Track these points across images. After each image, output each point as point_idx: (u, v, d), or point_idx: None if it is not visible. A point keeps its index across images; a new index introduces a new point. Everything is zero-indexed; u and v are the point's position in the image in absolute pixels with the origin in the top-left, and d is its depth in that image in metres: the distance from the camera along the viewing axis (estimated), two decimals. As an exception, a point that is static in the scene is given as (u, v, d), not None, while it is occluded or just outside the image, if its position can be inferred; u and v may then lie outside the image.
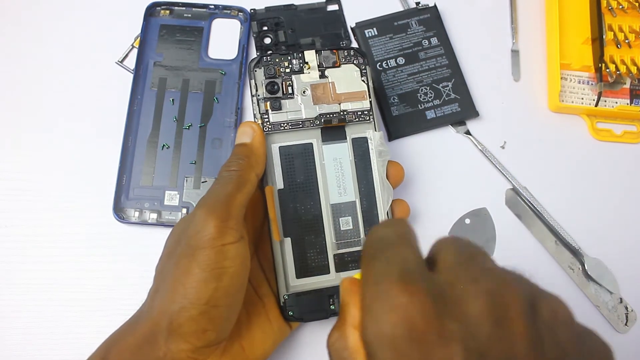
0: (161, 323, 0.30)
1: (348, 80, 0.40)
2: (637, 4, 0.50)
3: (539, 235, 0.46)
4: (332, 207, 0.39)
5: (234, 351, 0.35)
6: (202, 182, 0.44)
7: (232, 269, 0.31)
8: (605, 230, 0.47)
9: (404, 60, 0.49)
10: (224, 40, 0.48)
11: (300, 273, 0.39)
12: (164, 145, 0.45)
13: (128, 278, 0.43)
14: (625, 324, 0.44)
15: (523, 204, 0.47)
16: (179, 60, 0.47)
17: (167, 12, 0.48)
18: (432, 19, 0.50)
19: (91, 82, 0.47)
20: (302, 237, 0.39)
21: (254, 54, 0.48)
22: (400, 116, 0.47)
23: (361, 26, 0.49)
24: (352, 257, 0.39)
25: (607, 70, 0.49)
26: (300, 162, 0.39)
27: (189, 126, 0.45)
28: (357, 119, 0.40)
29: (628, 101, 0.50)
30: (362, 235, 0.40)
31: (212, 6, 0.48)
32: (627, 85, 0.50)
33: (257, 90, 0.39)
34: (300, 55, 0.40)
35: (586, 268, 0.45)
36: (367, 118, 0.40)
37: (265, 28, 0.49)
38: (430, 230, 0.45)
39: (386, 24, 0.50)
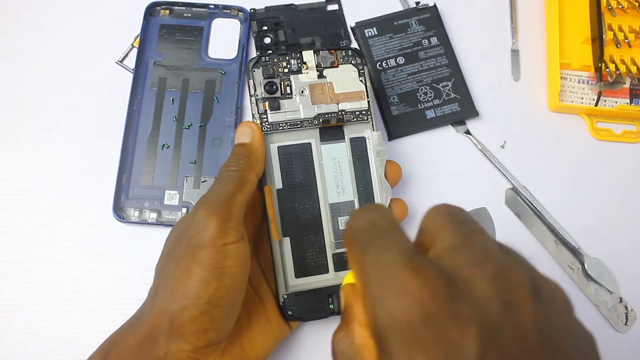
0: (162, 323, 0.30)
1: (346, 80, 0.40)
2: (637, 4, 0.50)
3: (539, 235, 0.46)
4: (330, 207, 0.40)
5: (234, 351, 0.35)
6: (202, 182, 0.44)
7: (233, 268, 0.31)
8: (605, 230, 0.47)
9: (403, 59, 0.49)
10: (224, 40, 0.48)
11: (299, 272, 0.39)
12: (164, 144, 0.45)
13: (128, 278, 0.43)
14: (625, 324, 0.44)
15: (523, 204, 0.47)
16: (179, 60, 0.47)
17: (167, 11, 0.48)
18: (432, 19, 0.50)
19: (91, 82, 0.47)
20: (301, 237, 0.39)
21: (253, 53, 0.48)
22: (400, 116, 0.47)
23: (361, 26, 0.49)
24: None
25: (607, 69, 0.49)
26: (298, 161, 0.39)
27: (189, 126, 0.45)
28: (355, 119, 0.40)
29: (628, 101, 0.50)
30: None
31: (212, 6, 0.48)
32: (627, 85, 0.50)
33: (255, 90, 0.39)
34: (298, 55, 0.40)
35: (586, 268, 0.45)
36: (365, 118, 0.40)
37: (265, 28, 0.49)
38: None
39: (386, 24, 0.50)
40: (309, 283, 0.39)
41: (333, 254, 0.39)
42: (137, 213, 0.43)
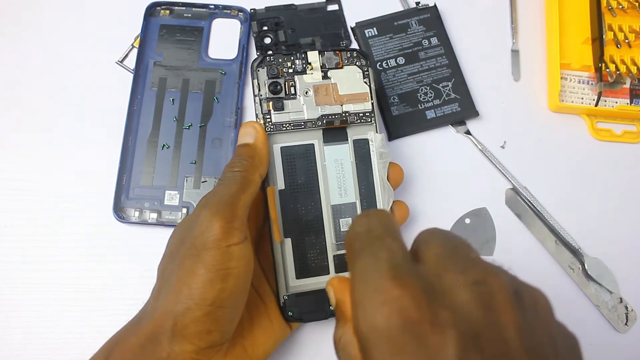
0: (165, 324, 0.30)
1: (350, 81, 0.40)
2: (637, 4, 0.50)
3: (539, 235, 0.46)
4: (332, 208, 0.39)
5: (236, 352, 0.35)
6: (202, 182, 0.44)
7: (237, 269, 0.31)
8: (605, 230, 0.47)
9: (404, 60, 0.49)
10: (224, 40, 0.48)
11: (300, 273, 0.39)
12: (164, 145, 0.45)
13: (128, 278, 0.42)
14: (625, 324, 0.44)
15: (523, 204, 0.47)
16: (179, 60, 0.47)
17: (167, 12, 0.48)
18: (432, 19, 0.50)
19: (91, 82, 0.47)
20: (303, 238, 0.39)
21: (254, 53, 0.48)
22: (400, 116, 0.47)
23: (361, 26, 0.49)
24: None
25: (607, 70, 0.49)
26: (301, 162, 0.39)
27: (189, 126, 0.45)
28: (358, 121, 0.40)
29: (628, 101, 0.50)
30: None
31: (212, 6, 0.48)
32: (627, 85, 0.50)
33: (259, 90, 0.39)
34: (303, 55, 0.40)
35: (586, 268, 0.45)
36: (369, 120, 0.40)
37: (265, 28, 0.49)
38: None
39: (386, 24, 0.50)
40: (310, 284, 0.39)
41: (334, 256, 0.39)
42: (137, 213, 0.43)
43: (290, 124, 0.39)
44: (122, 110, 0.45)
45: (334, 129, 0.40)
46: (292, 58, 0.40)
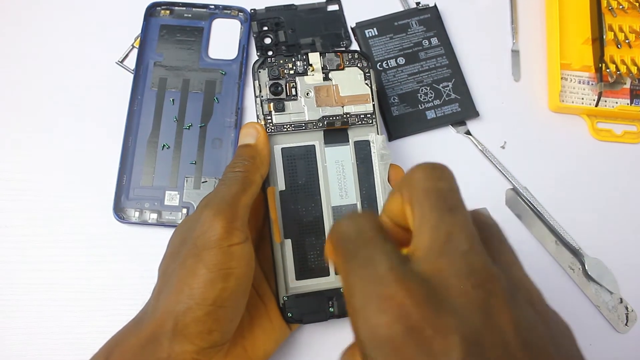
0: (165, 324, 0.30)
1: (352, 83, 0.40)
2: (637, 4, 0.50)
3: (539, 235, 0.46)
4: (333, 210, 0.39)
5: (237, 352, 0.35)
6: (203, 182, 0.44)
7: (239, 269, 0.31)
8: (605, 231, 0.47)
9: (404, 60, 0.49)
10: (224, 40, 0.48)
11: (300, 275, 0.39)
12: (164, 145, 0.45)
13: (128, 278, 0.42)
14: (626, 324, 0.44)
15: (523, 204, 0.47)
16: (179, 60, 0.47)
17: (167, 12, 0.48)
18: (432, 19, 0.50)
19: (91, 82, 0.47)
20: (303, 239, 0.39)
21: (254, 54, 0.48)
22: (401, 116, 0.47)
23: (361, 26, 0.49)
24: None
25: (607, 70, 0.49)
26: (302, 163, 0.39)
27: (189, 126, 0.45)
28: (360, 122, 0.40)
29: (628, 101, 0.50)
30: None
31: (212, 6, 0.48)
32: (627, 85, 0.50)
33: (260, 91, 0.39)
34: (304, 57, 0.40)
35: (586, 268, 0.45)
36: (370, 121, 0.40)
37: (265, 28, 0.49)
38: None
39: (386, 24, 0.50)
40: (310, 285, 0.39)
41: (334, 256, 0.39)
42: (137, 213, 0.43)
43: (291, 125, 0.39)
44: (122, 110, 0.45)
45: (335, 130, 0.40)
46: (293, 59, 0.40)
